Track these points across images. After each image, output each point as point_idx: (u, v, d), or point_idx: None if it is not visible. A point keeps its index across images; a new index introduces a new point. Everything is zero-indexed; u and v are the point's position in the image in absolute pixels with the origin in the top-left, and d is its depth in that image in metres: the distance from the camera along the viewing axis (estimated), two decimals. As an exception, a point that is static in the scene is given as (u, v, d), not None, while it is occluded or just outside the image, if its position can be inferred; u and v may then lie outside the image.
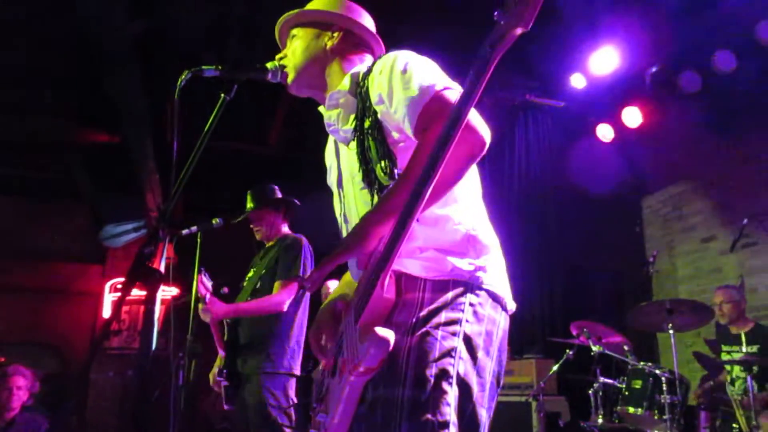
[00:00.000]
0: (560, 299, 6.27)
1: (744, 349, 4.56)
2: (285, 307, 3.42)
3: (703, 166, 6.49)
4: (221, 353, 3.52)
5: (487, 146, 1.48)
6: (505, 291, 1.61)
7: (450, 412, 1.40)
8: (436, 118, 1.47)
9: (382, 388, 1.43)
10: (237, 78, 1.92)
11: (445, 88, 1.54)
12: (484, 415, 1.50)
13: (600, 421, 4.52)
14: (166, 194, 7.22)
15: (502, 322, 1.59)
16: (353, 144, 1.72)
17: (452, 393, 1.41)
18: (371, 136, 1.66)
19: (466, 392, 1.45)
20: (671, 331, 4.37)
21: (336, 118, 1.81)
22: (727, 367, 4.74)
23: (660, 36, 5.66)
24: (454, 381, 1.43)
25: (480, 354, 1.49)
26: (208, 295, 3.38)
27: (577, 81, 6.32)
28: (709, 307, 4.61)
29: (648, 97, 6.25)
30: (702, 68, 5.75)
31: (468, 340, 1.48)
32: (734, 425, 4.20)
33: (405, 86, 1.57)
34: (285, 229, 3.81)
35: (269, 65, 1.96)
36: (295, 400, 3.44)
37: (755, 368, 4.29)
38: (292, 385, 3.45)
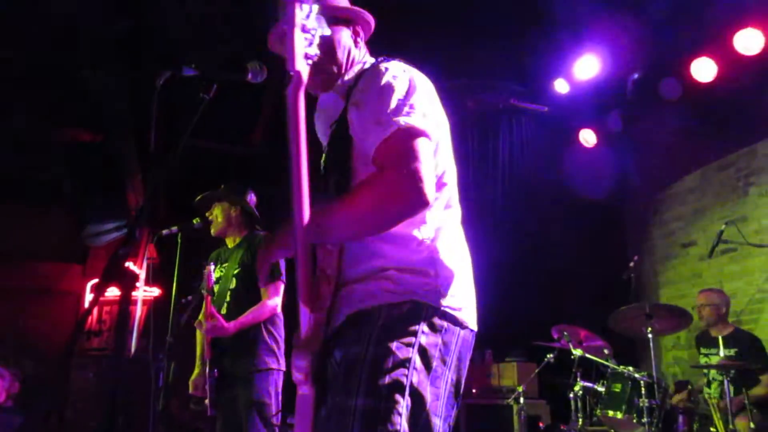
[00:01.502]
0: (542, 303, 6.30)
1: (721, 353, 4.61)
2: (279, 309, 3.48)
3: (683, 171, 6.56)
4: (207, 355, 3.48)
5: (427, 207, 1.48)
6: (466, 313, 1.62)
7: (401, 421, 1.44)
8: (390, 161, 1.48)
9: (339, 396, 1.48)
10: (216, 78, 1.92)
11: (409, 128, 1.50)
12: (439, 424, 1.53)
13: (580, 424, 4.55)
14: (151, 194, 7.16)
15: (463, 333, 1.61)
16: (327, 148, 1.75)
17: (404, 403, 1.45)
18: (336, 147, 1.69)
19: (419, 402, 1.49)
20: (650, 335, 4.41)
21: (323, 117, 1.82)
22: (704, 369, 4.79)
23: (642, 43, 5.72)
24: (406, 391, 1.46)
25: (435, 364, 1.52)
26: (217, 318, 3.35)
27: (561, 86, 6.37)
28: (688, 311, 4.66)
29: (630, 103, 6.32)
30: (682, 76, 5.82)
31: (423, 351, 1.51)
32: (711, 428, 4.24)
33: (376, 111, 1.54)
34: (247, 230, 3.75)
35: (249, 65, 1.96)
36: (279, 397, 3.44)
37: (732, 372, 4.33)
38: (280, 381, 3.46)
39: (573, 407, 4.63)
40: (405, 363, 1.47)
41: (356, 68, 1.78)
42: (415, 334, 1.51)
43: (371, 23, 1.86)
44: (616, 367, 4.54)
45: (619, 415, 4.31)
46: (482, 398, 5.86)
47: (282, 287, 3.50)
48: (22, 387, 5.42)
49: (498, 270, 6.50)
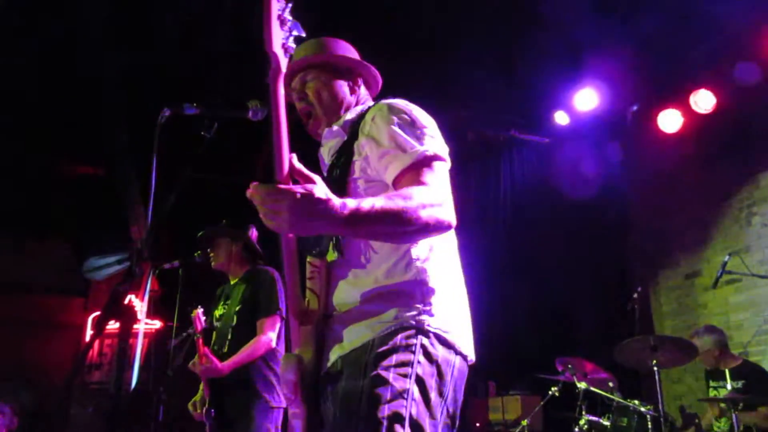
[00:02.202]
0: (546, 335, 6.26)
1: (729, 386, 4.55)
2: (274, 344, 3.42)
3: (686, 202, 6.55)
4: (205, 392, 3.45)
5: (450, 229, 1.53)
6: (457, 337, 1.60)
7: None
8: (422, 182, 1.54)
9: None
10: (217, 116, 1.94)
11: (434, 155, 1.59)
12: None
13: (585, 459, 4.47)
14: (152, 228, 7.18)
15: (457, 362, 1.59)
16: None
17: None
18: (338, 173, 1.71)
19: None
20: (656, 368, 4.35)
21: (326, 151, 1.87)
22: (721, 404, 4.71)
23: (641, 75, 5.78)
24: (406, 423, 1.44)
25: (433, 395, 1.51)
26: (210, 359, 3.33)
27: (561, 118, 6.42)
28: (693, 343, 4.61)
29: (630, 134, 6.36)
30: (682, 107, 5.86)
31: (420, 382, 1.49)
32: (720, 463, 4.17)
33: (398, 139, 1.60)
34: (249, 266, 3.75)
35: (250, 103, 1.98)
36: None
37: (741, 405, 4.27)
38: (280, 419, 3.41)
39: (578, 441, 4.55)
40: (403, 394, 1.45)
41: (357, 108, 1.86)
42: (410, 364, 1.49)
43: (376, 75, 1.96)
44: (621, 400, 4.48)
45: (626, 450, 4.24)
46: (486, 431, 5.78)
47: (279, 322, 3.47)
48: (21, 421, 5.36)
49: (501, 302, 6.48)
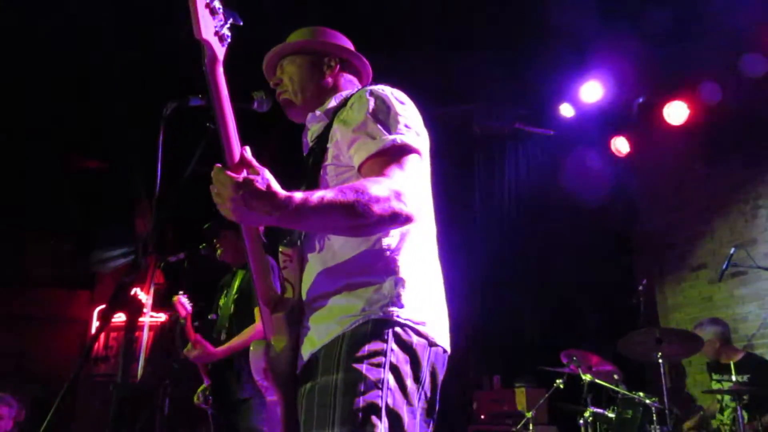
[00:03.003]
0: (551, 328, 6.26)
1: (734, 379, 4.55)
2: None
3: (691, 195, 6.53)
4: (206, 382, 3.48)
5: (411, 222, 1.49)
6: (431, 328, 1.58)
7: None
8: (384, 173, 1.51)
9: (314, 429, 1.44)
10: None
11: (404, 144, 1.56)
12: None
13: (590, 450, 4.47)
14: (158, 221, 7.20)
15: (432, 350, 1.57)
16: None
17: (382, 426, 1.42)
18: (312, 159, 1.71)
19: (397, 422, 1.45)
20: (661, 360, 4.35)
21: (310, 136, 1.87)
22: (717, 396, 4.72)
23: (647, 67, 5.75)
24: (383, 413, 1.43)
25: (409, 382, 1.50)
26: (203, 344, 3.35)
27: (566, 110, 6.39)
28: (698, 336, 4.61)
29: (636, 126, 6.33)
30: (688, 99, 5.83)
31: (395, 370, 1.48)
32: (725, 456, 4.17)
33: (368, 127, 1.59)
34: None
35: (255, 94, 1.98)
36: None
37: (745, 397, 4.27)
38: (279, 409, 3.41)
39: (583, 434, 4.56)
40: (378, 384, 1.44)
41: (343, 94, 1.86)
42: (383, 353, 1.47)
43: (362, 60, 1.96)
44: (626, 392, 4.48)
45: (631, 442, 4.25)
46: (491, 424, 5.78)
47: None
48: (29, 414, 5.40)
49: (506, 295, 6.48)
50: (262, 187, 1.28)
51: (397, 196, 1.44)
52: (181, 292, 3.64)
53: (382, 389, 1.44)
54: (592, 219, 6.57)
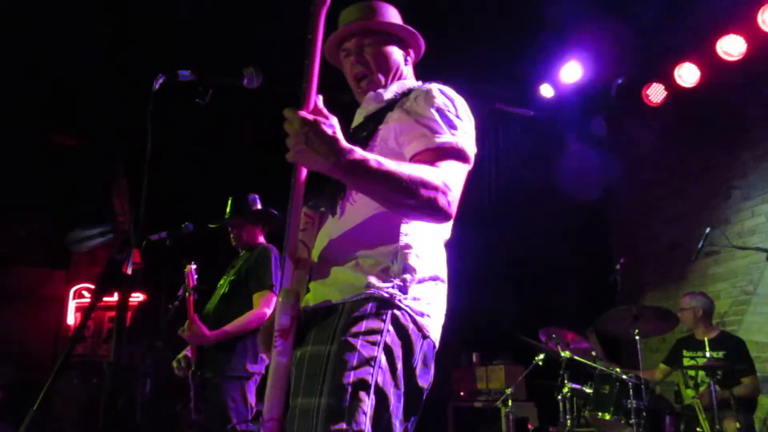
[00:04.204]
0: (529, 306, 6.34)
1: (708, 355, 4.67)
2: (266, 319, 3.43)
3: (668, 175, 6.64)
4: (190, 353, 3.47)
5: (447, 221, 1.55)
6: (428, 321, 1.59)
7: (366, 421, 1.42)
8: (437, 161, 1.54)
9: (301, 397, 1.45)
10: (212, 83, 1.92)
11: (461, 150, 1.59)
12: (399, 427, 1.52)
13: (568, 425, 4.57)
14: (135, 199, 7.12)
15: (423, 342, 1.58)
16: None
17: (369, 402, 1.43)
18: (360, 136, 1.71)
19: (383, 402, 1.47)
20: (637, 337, 4.45)
21: (363, 113, 1.87)
22: (690, 372, 4.84)
23: (626, 48, 5.79)
24: (371, 390, 1.45)
25: (399, 365, 1.51)
26: (198, 325, 3.34)
27: (546, 91, 6.42)
28: (674, 313, 4.72)
29: (614, 107, 6.39)
30: (666, 81, 5.89)
31: (388, 350, 1.50)
32: (698, 429, 4.29)
33: (431, 120, 1.60)
34: (261, 239, 3.80)
35: (245, 70, 1.96)
36: (253, 402, 3.42)
37: (719, 373, 4.39)
38: (251, 388, 3.43)
39: (561, 409, 4.66)
40: (370, 361, 1.45)
41: (406, 83, 1.86)
42: (380, 332, 1.49)
43: (422, 48, 1.96)
44: (603, 368, 4.58)
45: (608, 417, 4.35)
46: (470, 401, 5.88)
47: (274, 300, 3.48)
48: (5, 394, 5.35)
49: (485, 273, 6.54)
50: (327, 129, 1.34)
51: (446, 192, 1.48)
52: (192, 262, 3.62)
53: (373, 367, 1.45)
54: (570, 198, 6.64)
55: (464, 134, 1.63)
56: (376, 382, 1.45)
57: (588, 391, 4.59)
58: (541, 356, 4.92)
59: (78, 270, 8.26)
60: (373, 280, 1.53)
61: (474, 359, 6.22)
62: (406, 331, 1.53)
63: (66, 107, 6.29)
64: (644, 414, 4.22)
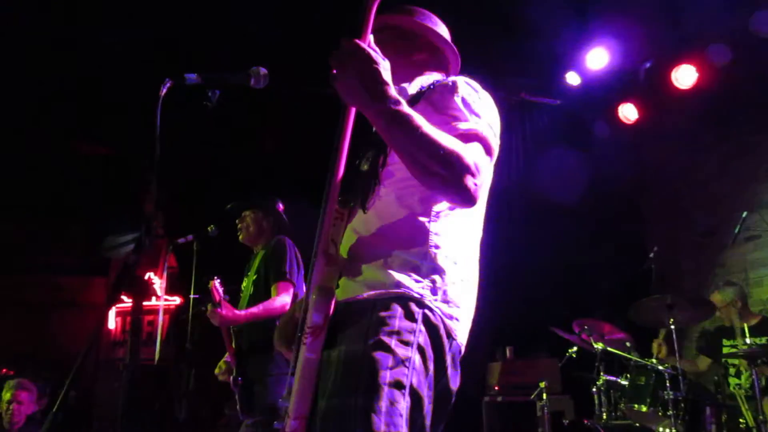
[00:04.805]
0: (562, 298, 6.25)
1: (748, 341, 4.53)
2: (288, 308, 3.46)
3: (703, 159, 6.46)
4: (230, 359, 3.51)
5: (471, 206, 1.53)
6: (456, 325, 1.57)
7: (402, 423, 1.39)
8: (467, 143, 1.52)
9: (336, 397, 1.42)
10: (218, 84, 1.93)
11: (485, 139, 1.57)
12: (429, 426, 1.49)
13: (604, 418, 4.49)
14: (166, 204, 7.25)
15: (451, 343, 1.56)
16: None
17: (404, 403, 1.40)
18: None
19: (418, 404, 1.44)
20: (673, 327, 4.34)
21: None
22: (732, 361, 4.70)
23: (653, 31, 5.65)
24: (407, 391, 1.42)
25: (431, 366, 1.49)
26: (221, 299, 3.37)
27: (572, 78, 6.30)
28: (711, 302, 4.60)
29: (644, 92, 6.24)
30: (696, 62, 5.73)
31: (422, 351, 1.47)
32: (741, 420, 4.17)
33: (455, 109, 1.59)
34: (272, 238, 3.78)
35: (251, 71, 1.97)
36: None
37: (759, 361, 4.26)
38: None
39: (596, 401, 4.58)
40: (405, 362, 1.43)
41: (425, 80, 1.82)
42: (413, 331, 1.46)
43: (453, 50, 1.90)
44: (639, 359, 4.48)
45: (644, 409, 4.25)
46: (504, 395, 5.82)
47: (291, 289, 3.49)
48: (48, 399, 5.49)
49: (516, 266, 6.47)
50: (384, 71, 1.35)
51: (475, 174, 1.47)
52: (216, 277, 3.64)
53: (408, 368, 1.43)
54: (602, 187, 6.52)
55: (488, 126, 1.60)
56: (411, 383, 1.42)
57: (623, 383, 4.50)
58: (574, 349, 4.84)
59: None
60: (403, 279, 1.51)
61: (508, 353, 6.15)
62: (437, 332, 1.51)
63: (97, 117, 6.44)
64: (682, 405, 4.11)
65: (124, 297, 8.30)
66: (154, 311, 7.96)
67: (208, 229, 3.86)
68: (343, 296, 1.54)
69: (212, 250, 4.11)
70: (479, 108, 1.61)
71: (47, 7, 5.12)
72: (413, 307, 1.49)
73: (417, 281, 1.52)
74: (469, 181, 1.45)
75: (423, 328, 1.48)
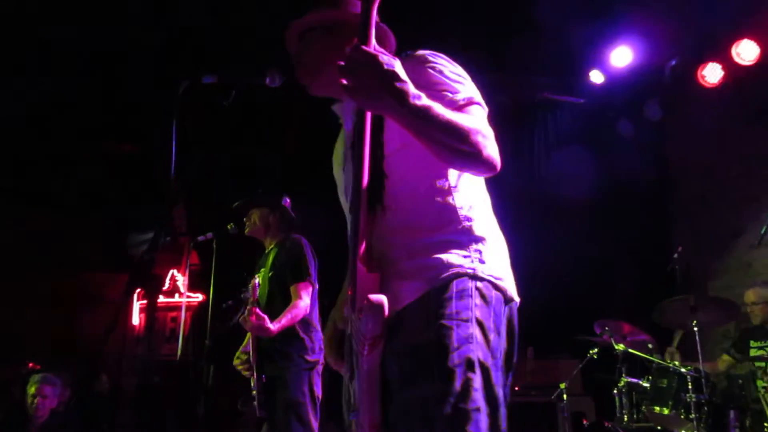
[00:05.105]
0: (584, 298, 6.18)
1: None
2: (308, 309, 3.52)
3: (729, 158, 6.33)
4: (249, 350, 3.55)
5: (494, 172, 1.55)
6: (507, 282, 1.62)
7: (479, 397, 1.43)
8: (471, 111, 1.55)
9: (411, 388, 1.45)
10: (234, 84, 1.95)
11: (479, 102, 1.60)
12: (501, 394, 1.52)
13: (625, 420, 4.44)
14: (188, 202, 7.33)
15: (506, 305, 1.60)
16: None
17: (478, 379, 1.44)
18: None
19: (487, 375, 1.48)
20: (696, 329, 4.27)
21: (344, 108, 1.85)
22: (759, 363, 4.61)
23: (679, 27, 5.56)
24: (477, 366, 1.45)
25: (492, 336, 1.52)
26: (263, 317, 3.41)
27: (596, 77, 6.23)
28: (736, 303, 4.50)
29: (669, 90, 6.14)
30: (723, 59, 5.63)
31: (480, 324, 1.50)
32: (766, 424, 4.08)
33: (439, 84, 1.59)
34: (283, 234, 3.80)
35: (267, 70, 1.98)
36: (320, 395, 3.47)
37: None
38: (316, 380, 3.49)
39: (618, 403, 4.52)
40: (469, 339, 1.46)
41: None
42: (469, 308, 1.50)
43: (388, 32, 1.90)
44: (660, 361, 4.42)
45: (666, 411, 4.19)
46: (524, 396, 5.78)
47: (311, 289, 3.52)
48: (73, 393, 5.60)
49: (538, 265, 6.41)
50: (400, 72, 1.37)
51: (490, 138, 1.51)
52: (256, 276, 3.66)
53: (472, 344, 1.46)
54: (627, 187, 6.44)
55: (473, 87, 1.63)
56: (478, 357, 1.46)
57: (645, 385, 4.44)
58: (595, 350, 4.79)
59: (141, 272, 8.60)
60: (452, 259, 1.53)
61: (528, 353, 6.11)
62: (491, 301, 1.54)
63: (123, 116, 6.54)
64: (705, 408, 4.04)
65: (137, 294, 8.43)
66: (177, 308, 8.08)
67: (228, 227, 3.89)
68: (404, 299, 1.52)
69: (232, 248, 4.14)
70: (456, 73, 1.63)
71: (76, 7, 5.21)
72: (466, 283, 1.52)
73: (465, 256, 1.55)
74: (490, 148, 1.50)
75: (478, 301, 1.52)
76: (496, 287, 1.57)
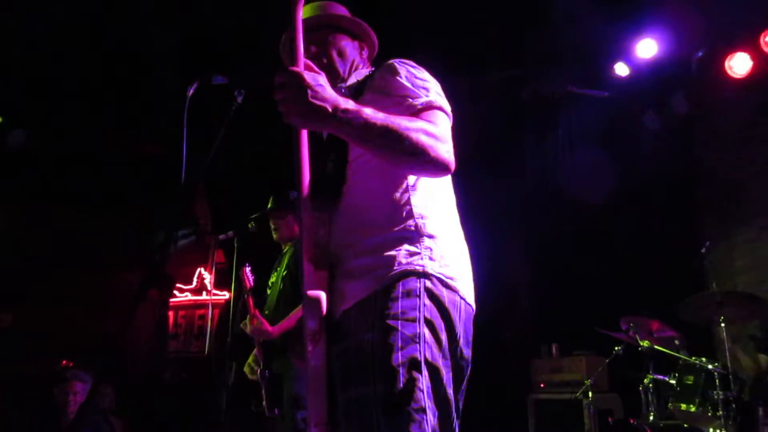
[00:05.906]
0: (611, 294, 6.10)
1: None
2: None
3: (757, 151, 6.19)
4: (258, 353, 3.59)
5: (448, 173, 1.60)
6: (460, 283, 1.61)
7: (424, 398, 1.42)
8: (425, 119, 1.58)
9: (353, 388, 1.45)
10: (245, 85, 1.97)
11: (440, 106, 1.65)
12: (452, 396, 1.51)
13: (651, 418, 4.37)
14: (213, 201, 7.43)
15: (463, 305, 1.59)
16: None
17: (423, 379, 1.43)
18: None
19: (436, 375, 1.47)
20: (723, 324, 4.19)
21: None
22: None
23: (705, 18, 5.44)
24: (422, 366, 1.44)
25: (443, 336, 1.51)
26: (259, 320, 3.45)
27: (621, 69, 6.13)
28: (764, 299, 4.40)
29: (696, 82, 6.02)
30: (751, 49, 5.49)
31: (429, 324, 1.49)
32: (797, 421, 3.99)
33: (404, 89, 1.64)
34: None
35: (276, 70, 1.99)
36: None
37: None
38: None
39: (644, 400, 4.46)
40: (415, 338, 1.45)
41: (363, 71, 1.90)
42: (417, 308, 1.48)
43: (375, 43, 2.00)
44: (687, 358, 4.35)
45: (693, 409, 4.12)
46: (550, 393, 5.74)
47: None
48: (106, 390, 5.72)
49: (564, 261, 6.36)
50: (324, 84, 1.43)
51: (444, 142, 1.54)
52: (246, 264, 3.75)
53: (419, 343, 1.46)
54: (653, 181, 6.33)
55: (437, 94, 1.66)
56: (425, 357, 1.45)
57: (671, 381, 4.37)
58: (619, 347, 4.73)
59: (171, 271, 8.74)
60: (400, 255, 1.54)
61: (553, 350, 6.06)
62: (441, 301, 1.53)
63: (149, 115, 6.64)
64: (733, 406, 3.97)
65: (176, 292, 8.55)
66: (204, 305, 8.20)
67: (249, 225, 3.93)
68: (352, 298, 1.55)
69: (254, 246, 4.18)
70: (423, 80, 1.67)
71: (99, 7, 5.30)
72: (414, 282, 1.51)
73: (415, 253, 1.54)
74: (442, 151, 1.52)
75: (427, 302, 1.51)
76: (447, 286, 1.55)
